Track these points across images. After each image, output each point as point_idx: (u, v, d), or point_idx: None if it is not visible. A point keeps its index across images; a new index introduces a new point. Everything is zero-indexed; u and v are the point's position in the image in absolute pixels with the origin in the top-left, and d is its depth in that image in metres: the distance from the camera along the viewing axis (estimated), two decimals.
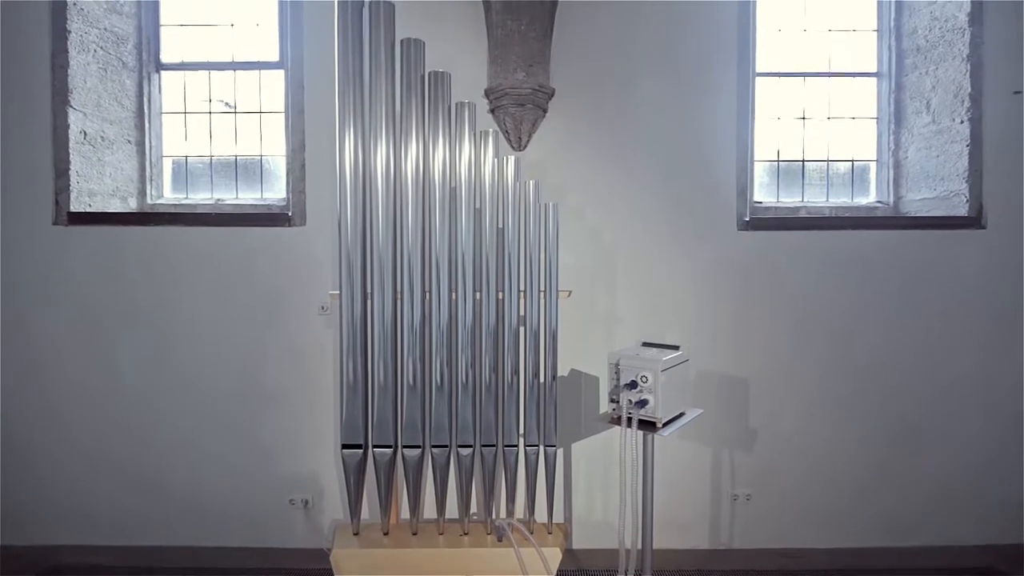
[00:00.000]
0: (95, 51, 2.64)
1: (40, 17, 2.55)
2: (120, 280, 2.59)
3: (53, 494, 2.63)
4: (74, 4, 2.58)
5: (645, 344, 2.11)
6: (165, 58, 2.83)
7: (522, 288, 2.21)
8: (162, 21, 2.82)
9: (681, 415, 1.99)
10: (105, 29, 2.67)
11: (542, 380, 2.23)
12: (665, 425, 1.87)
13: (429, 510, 2.33)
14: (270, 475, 2.66)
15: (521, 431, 2.26)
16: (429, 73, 2.11)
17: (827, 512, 2.72)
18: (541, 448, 2.25)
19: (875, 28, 2.92)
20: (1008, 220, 2.67)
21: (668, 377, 1.87)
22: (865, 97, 2.94)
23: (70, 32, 2.57)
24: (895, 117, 2.88)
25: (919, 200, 2.81)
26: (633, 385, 1.85)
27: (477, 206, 2.17)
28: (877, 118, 2.93)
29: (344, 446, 2.11)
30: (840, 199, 2.92)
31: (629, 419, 1.84)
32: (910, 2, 2.84)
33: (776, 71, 2.89)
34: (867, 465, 2.71)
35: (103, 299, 2.59)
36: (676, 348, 2.01)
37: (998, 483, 2.71)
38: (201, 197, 2.83)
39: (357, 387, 2.10)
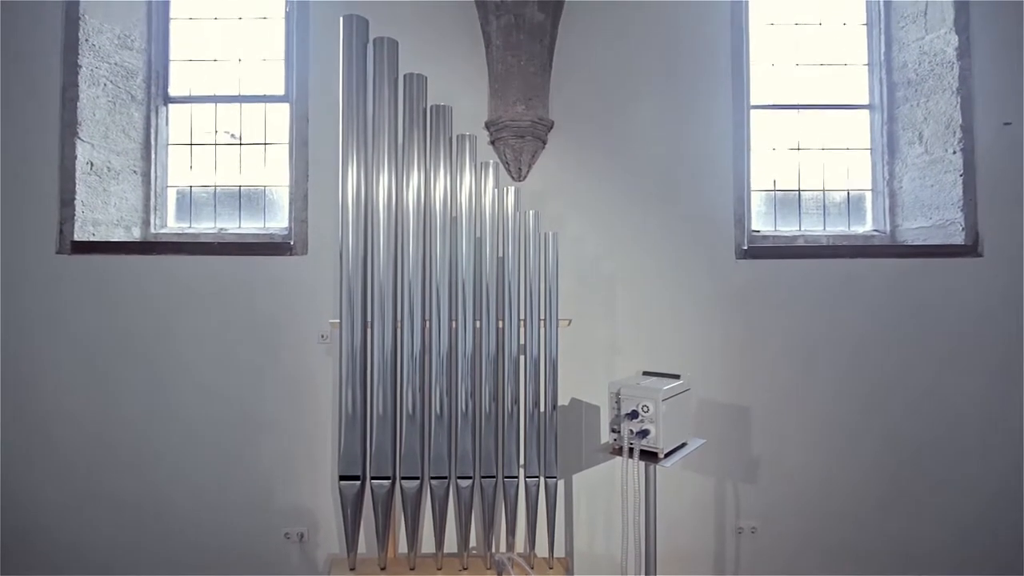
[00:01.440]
0: (105, 85, 2.70)
1: (52, 52, 2.62)
2: (121, 309, 2.60)
3: (47, 524, 2.58)
4: (86, 40, 2.65)
5: (646, 373, 2.10)
6: (173, 91, 2.89)
7: (522, 317, 2.22)
8: (171, 56, 2.89)
9: (683, 445, 1.97)
10: (116, 64, 2.74)
11: (542, 410, 2.21)
12: (667, 456, 1.85)
13: (427, 544, 2.28)
14: (265, 507, 2.61)
15: (521, 462, 2.23)
16: (431, 106, 2.16)
17: (834, 544, 2.66)
18: (542, 480, 2.21)
19: (866, 62, 3.00)
20: (1005, 248, 2.69)
21: (669, 407, 1.85)
22: (858, 128, 2.99)
23: (81, 67, 2.63)
24: (888, 148, 2.93)
25: (915, 229, 2.84)
26: (634, 415, 1.83)
27: (478, 235, 2.19)
28: (871, 149, 2.98)
29: (342, 477, 2.08)
30: (837, 228, 2.95)
31: (631, 449, 1.82)
32: (899, 37, 2.92)
33: (770, 103, 2.96)
34: (873, 495, 2.67)
35: (103, 328, 2.59)
36: (677, 377, 2.00)
37: (1005, 513, 2.66)
38: (204, 226, 2.86)
39: (356, 417, 2.08)
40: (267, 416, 2.61)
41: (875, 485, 2.67)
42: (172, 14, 2.90)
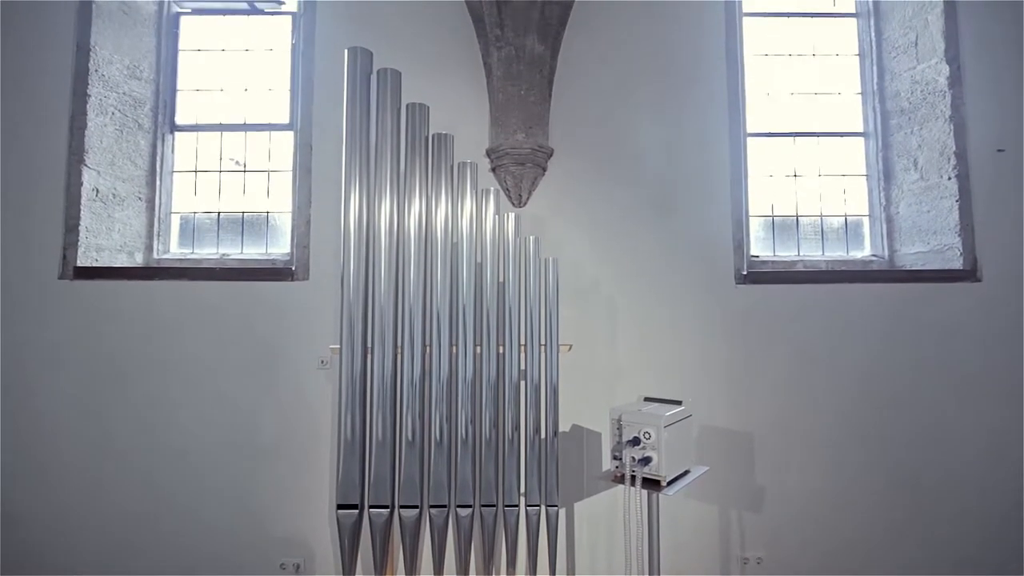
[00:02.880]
0: (113, 113, 2.76)
1: (62, 81, 2.67)
2: (121, 334, 2.60)
3: (43, 549, 2.53)
4: (96, 71, 2.71)
5: (647, 399, 2.09)
6: (180, 120, 2.95)
7: (523, 342, 2.21)
8: (179, 86, 2.95)
9: (686, 473, 1.94)
10: (124, 93, 2.80)
11: (543, 436, 2.19)
12: (670, 483, 1.82)
13: (426, 575, 2.23)
14: (261, 537, 2.56)
15: (522, 490, 2.20)
16: (433, 135, 2.20)
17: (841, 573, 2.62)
18: (543, 508, 2.18)
19: (859, 91, 3.06)
20: (1004, 273, 2.70)
21: (671, 433, 1.84)
22: (854, 155, 3.04)
23: (90, 96, 2.69)
24: (884, 174, 2.97)
25: (913, 254, 2.85)
26: (636, 442, 1.82)
27: (478, 260, 2.20)
28: (867, 175, 3.01)
29: (339, 506, 2.05)
30: (836, 253, 2.97)
31: (633, 477, 1.80)
32: (891, 67, 2.98)
33: (766, 131, 3.01)
34: (878, 523, 2.63)
35: (103, 353, 2.58)
36: (678, 403, 1.99)
37: (1008, 541, 2.61)
38: (207, 252, 2.88)
39: (355, 443, 2.05)
40: (265, 443, 2.59)
41: (882, 513, 2.63)
42: (181, 45, 2.97)
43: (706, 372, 2.66)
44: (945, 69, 2.79)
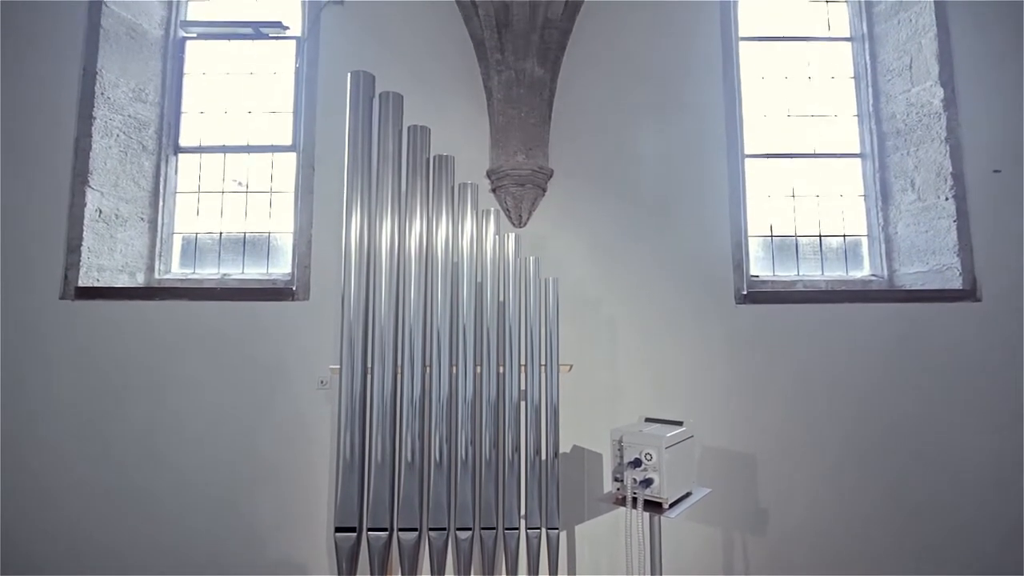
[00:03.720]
0: (117, 135, 2.79)
1: (68, 104, 2.71)
2: (121, 355, 2.59)
3: (42, 567, 2.49)
4: (102, 94, 2.75)
5: (648, 420, 2.07)
6: (183, 142, 2.98)
7: (523, 362, 2.21)
8: (183, 108, 3.00)
9: (688, 495, 1.92)
10: (129, 116, 2.84)
11: (544, 457, 2.17)
12: (672, 506, 1.80)
13: None
14: (259, 559, 2.52)
15: (522, 512, 2.17)
16: (434, 156, 2.22)
17: None
18: (543, 531, 2.15)
19: (855, 113, 3.10)
20: (1004, 292, 2.71)
21: (673, 454, 1.82)
22: (852, 175, 3.06)
23: (95, 119, 2.72)
24: (882, 195, 2.99)
25: (913, 274, 2.86)
26: (637, 463, 1.80)
27: (479, 280, 2.21)
28: (865, 195, 3.04)
29: (337, 529, 2.02)
30: (835, 273, 2.97)
31: (634, 499, 1.78)
32: (886, 90, 3.03)
33: (764, 152, 3.04)
34: (882, 546, 2.59)
35: (102, 373, 2.58)
36: (680, 424, 1.98)
37: (1009, 565, 2.58)
38: (208, 272, 2.88)
39: (353, 464, 2.03)
40: (263, 465, 2.56)
41: (886, 535, 2.59)
42: (186, 69, 3.02)
43: (707, 392, 2.65)
44: (939, 92, 2.83)
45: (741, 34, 3.06)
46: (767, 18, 3.15)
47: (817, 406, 2.65)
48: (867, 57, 3.08)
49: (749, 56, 3.09)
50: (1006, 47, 2.86)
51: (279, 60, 3.03)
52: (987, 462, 2.63)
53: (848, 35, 3.16)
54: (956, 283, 2.72)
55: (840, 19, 3.18)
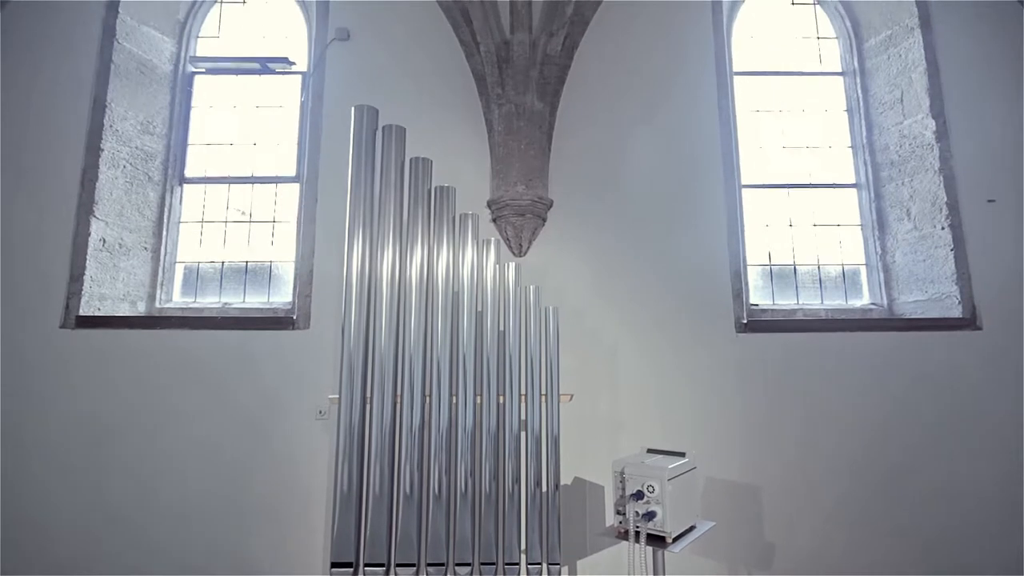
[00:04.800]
0: (124, 167, 2.84)
1: (77, 136, 2.76)
2: (119, 385, 2.58)
3: None
4: (110, 126, 2.81)
5: (650, 451, 2.05)
6: (189, 172, 3.03)
7: (523, 391, 2.19)
8: (190, 140, 3.05)
9: (692, 528, 1.88)
10: (136, 147, 2.89)
11: (544, 489, 2.13)
12: (676, 539, 1.76)
13: None
14: None
15: (523, 547, 2.12)
16: (436, 187, 2.25)
17: None
18: (544, 566, 2.10)
19: (849, 145, 3.15)
20: (1004, 321, 2.70)
21: (676, 486, 1.79)
22: (848, 204, 3.10)
23: (103, 150, 2.77)
24: (878, 224, 3.02)
25: (912, 302, 2.86)
26: (639, 496, 1.77)
27: (479, 309, 2.21)
28: (861, 225, 3.06)
29: (333, 565, 1.97)
30: (835, 301, 2.98)
31: (637, 533, 1.74)
32: (879, 122, 3.09)
33: (760, 183, 3.08)
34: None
35: (99, 404, 2.56)
36: (682, 455, 1.95)
37: None
38: (209, 301, 2.89)
39: (351, 497, 2.00)
40: (259, 498, 2.52)
41: (893, 567, 2.53)
42: (193, 102, 3.09)
43: (710, 422, 2.62)
44: (931, 124, 2.89)
45: (735, 68, 3.14)
46: (761, 53, 3.24)
47: (821, 436, 2.62)
48: (859, 91, 3.16)
49: (744, 90, 3.16)
50: (996, 80, 2.93)
51: (285, 94, 3.11)
52: (992, 493, 2.59)
53: (840, 70, 3.24)
54: (956, 311, 2.72)
55: (832, 54, 3.27)
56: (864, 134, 3.12)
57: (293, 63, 3.08)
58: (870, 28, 3.17)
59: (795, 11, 3.30)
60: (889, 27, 3.09)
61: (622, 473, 1.85)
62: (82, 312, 2.62)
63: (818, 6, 3.31)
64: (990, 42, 2.97)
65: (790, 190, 3.09)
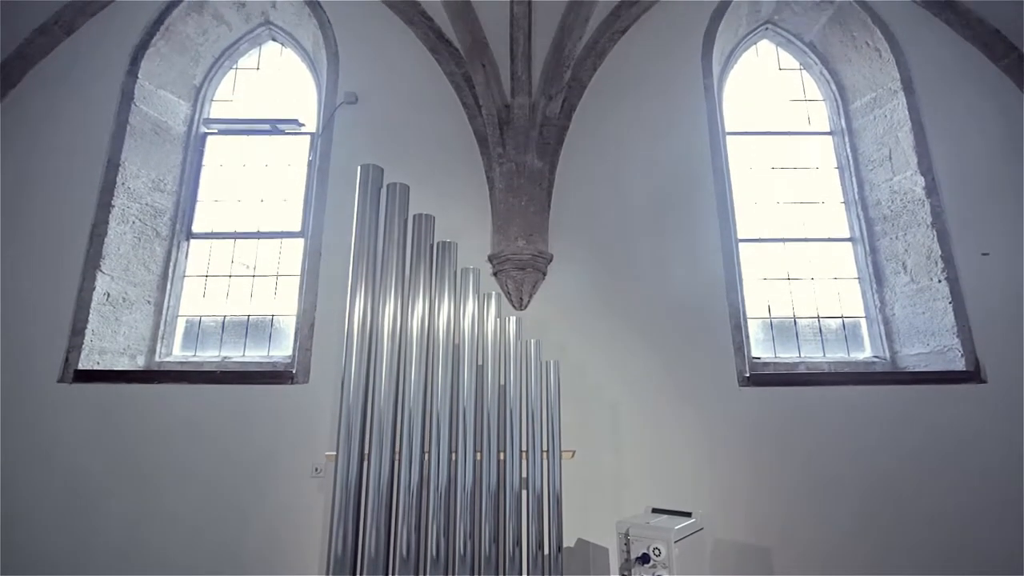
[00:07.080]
0: (133, 222, 2.90)
1: (89, 192, 2.84)
2: (115, 440, 2.53)
3: None
4: (122, 184, 2.89)
5: (655, 511, 1.99)
6: (196, 228, 3.09)
7: (524, 448, 2.15)
8: (199, 197, 3.14)
9: None
10: (146, 204, 2.96)
11: (547, 552, 2.05)
12: None
13: None
14: None
15: None
16: (438, 243, 2.29)
17: None
18: None
19: (842, 200, 3.23)
20: (1009, 373, 2.68)
21: (683, 548, 1.73)
22: (844, 258, 3.14)
23: (113, 207, 2.84)
24: (875, 277, 3.04)
25: (914, 355, 2.85)
26: (646, 559, 1.71)
27: (480, 363, 2.20)
28: (859, 278, 3.09)
29: None
30: (837, 354, 2.97)
31: None
32: (869, 179, 3.17)
33: (757, 237, 3.13)
34: None
35: (94, 460, 2.50)
36: (688, 515, 1.90)
37: None
38: (209, 355, 2.89)
39: (345, 561, 1.92)
40: (252, 559, 2.42)
41: None
42: (204, 161, 3.20)
43: (715, 479, 2.56)
44: (920, 180, 2.97)
45: (728, 129, 3.26)
46: (752, 115, 3.37)
47: (832, 494, 2.54)
48: (848, 149, 3.26)
49: (736, 148, 3.27)
50: (981, 135, 3.03)
51: (293, 153, 3.22)
52: (998, 553, 2.49)
53: (828, 129, 3.36)
54: (958, 364, 2.71)
55: (820, 115, 3.40)
56: (856, 190, 3.20)
57: (303, 124, 3.21)
58: (855, 91, 3.31)
59: (782, 76, 3.47)
60: (873, 89, 3.23)
61: (627, 535, 1.79)
62: (81, 366, 2.61)
63: (804, 71, 3.47)
64: (973, 99, 3.10)
65: (787, 244, 3.14)
